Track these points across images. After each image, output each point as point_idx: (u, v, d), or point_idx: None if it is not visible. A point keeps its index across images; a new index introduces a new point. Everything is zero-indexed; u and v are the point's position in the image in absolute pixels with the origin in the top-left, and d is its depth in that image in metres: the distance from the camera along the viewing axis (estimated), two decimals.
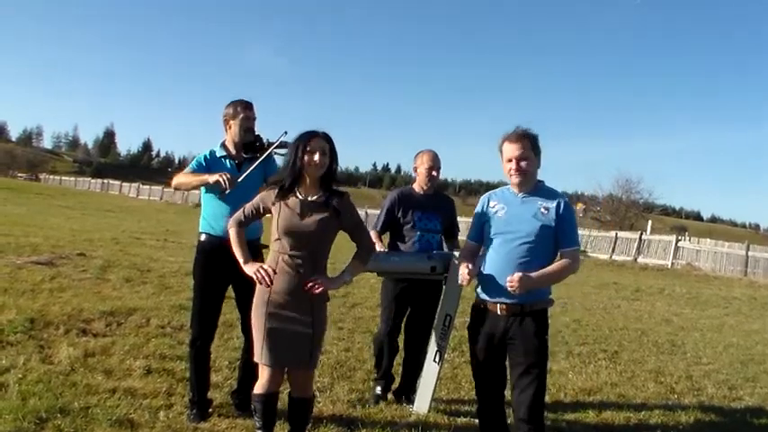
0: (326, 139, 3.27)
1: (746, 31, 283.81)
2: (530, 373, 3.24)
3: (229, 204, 3.81)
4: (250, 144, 4.03)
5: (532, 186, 3.36)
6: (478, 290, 3.41)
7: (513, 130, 3.36)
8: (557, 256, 3.34)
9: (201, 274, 4.01)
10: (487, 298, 3.34)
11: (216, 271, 3.92)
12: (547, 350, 3.35)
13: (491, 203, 3.44)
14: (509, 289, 3.15)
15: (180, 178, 4.05)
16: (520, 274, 3.13)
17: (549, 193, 3.35)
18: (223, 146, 4.08)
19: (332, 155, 3.28)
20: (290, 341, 3.23)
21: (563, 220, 3.28)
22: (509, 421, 3.50)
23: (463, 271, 3.34)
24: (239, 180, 3.83)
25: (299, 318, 3.23)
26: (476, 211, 3.52)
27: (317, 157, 3.20)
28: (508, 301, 3.26)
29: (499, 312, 3.29)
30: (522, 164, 3.29)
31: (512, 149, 3.30)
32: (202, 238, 4.02)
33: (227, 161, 4.02)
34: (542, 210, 3.28)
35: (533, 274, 3.18)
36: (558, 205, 3.29)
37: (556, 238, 3.29)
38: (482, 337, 3.38)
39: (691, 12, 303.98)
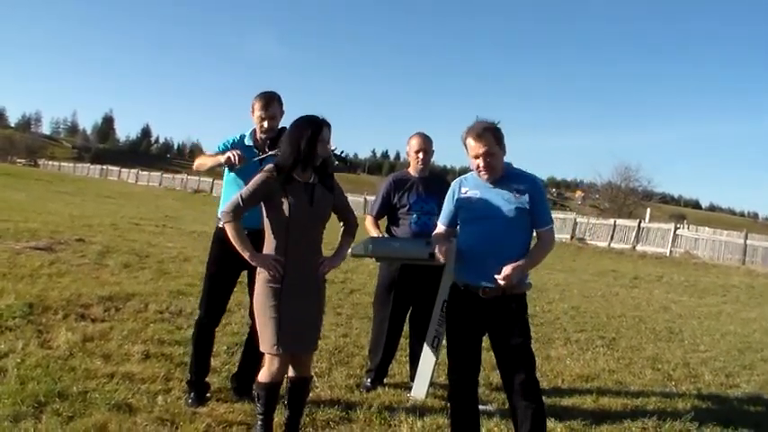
0: (329, 127, 3.29)
1: (747, 22, 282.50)
2: (519, 354, 3.30)
3: None
4: (274, 140, 3.96)
5: (500, 174, 3.38)
6: (458, 272, 3.44)
7: (475, 124, 3.35)
8: (531, 235, 3.41)
9: (216, 261, 4.03)
10: (468, 281, 3.37)
11: (231, 259, 3.88)
12: (529, 329, 3.41)
13: (462, 189, 3.48)
14: (501, 283, 3.19)
15: (199, 159, 4.11)
16: (510, 267, 3.19)
17: (518, 177, 3.40)
18: (253, 134, 4.09)
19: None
20: (304, 327, 3.26)
21: (535, 201, 3.34)
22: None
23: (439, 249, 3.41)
24: (253, 160, 3.82)
25: (310, 302, 3.28)
26: (447, 196, 3.56)
27: (326, 148, 3.25)
28: (490, 285, 3.28)
29: (481, 295, 3.31)
30: (488, 160, 3.32)
31: (476, 147, 3.31)
32: (220, 224, 4.01)
33: (252, 151, 4.01)
34: (515, 194, 3.32)
35: (521, 263, 3.24)
36: (530, 187, 3.35)
37: (531, 219, 3.35)
38: (462, 318, 3.41)
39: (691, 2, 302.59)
